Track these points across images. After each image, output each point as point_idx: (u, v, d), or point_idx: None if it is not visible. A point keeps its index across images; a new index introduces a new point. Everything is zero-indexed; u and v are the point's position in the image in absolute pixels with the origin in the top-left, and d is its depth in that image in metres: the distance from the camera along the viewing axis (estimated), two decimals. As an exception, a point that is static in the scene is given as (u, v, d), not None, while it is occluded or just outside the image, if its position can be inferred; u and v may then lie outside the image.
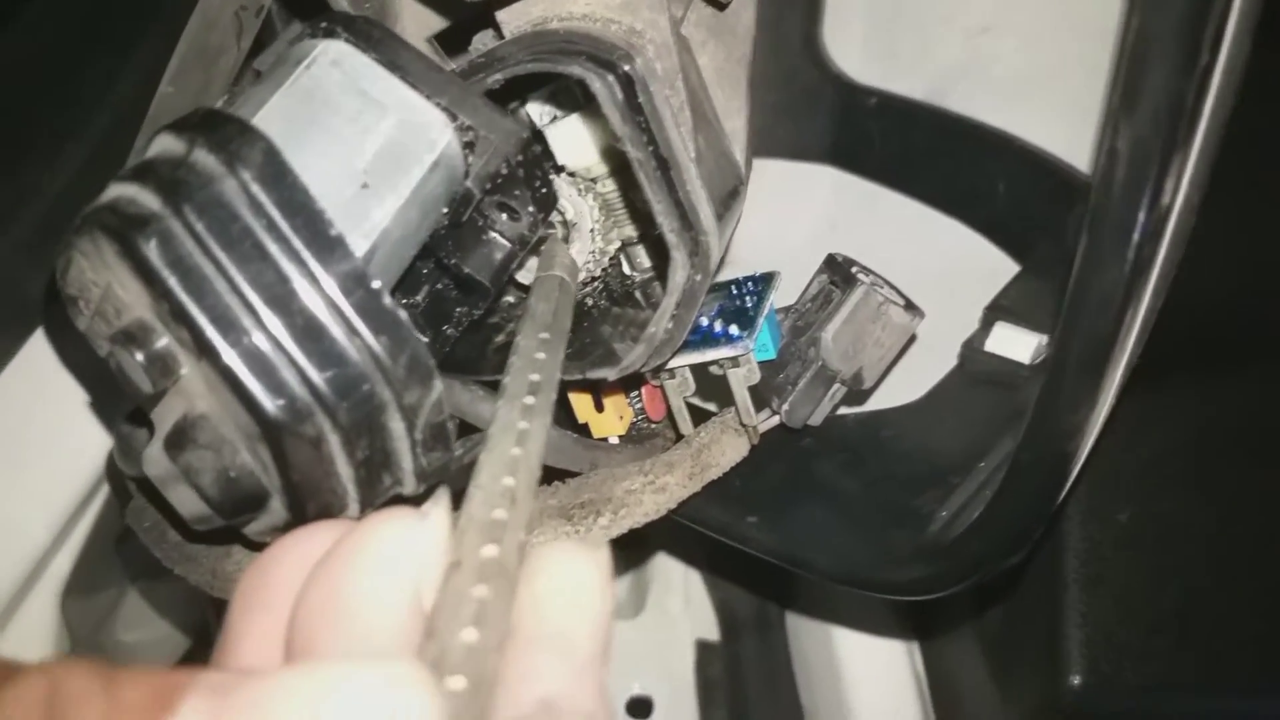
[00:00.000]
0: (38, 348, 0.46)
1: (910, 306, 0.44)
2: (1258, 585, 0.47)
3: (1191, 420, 0.51)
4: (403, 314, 0.29)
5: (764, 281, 0.45)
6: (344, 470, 0.29)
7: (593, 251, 0.43)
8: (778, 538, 0.42)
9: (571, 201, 0.42)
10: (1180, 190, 0.29)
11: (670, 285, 0.36)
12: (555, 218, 0.43)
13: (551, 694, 0.21)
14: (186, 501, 0.32)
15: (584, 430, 0.43)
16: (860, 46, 0.58)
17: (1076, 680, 0.46)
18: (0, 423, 0.46)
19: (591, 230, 0.42)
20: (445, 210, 0.33)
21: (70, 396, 0.47)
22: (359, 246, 0.30)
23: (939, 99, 0.55)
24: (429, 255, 0.35)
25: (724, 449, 0.42)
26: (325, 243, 0.28)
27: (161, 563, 0.40)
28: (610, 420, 0.43)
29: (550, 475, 0.42)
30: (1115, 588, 0.47)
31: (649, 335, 0.36)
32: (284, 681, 0.19)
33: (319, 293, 0.28)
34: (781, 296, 0.45)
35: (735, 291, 0.44)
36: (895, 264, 0.57)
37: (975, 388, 0.47)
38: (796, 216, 0.62)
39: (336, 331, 0.28)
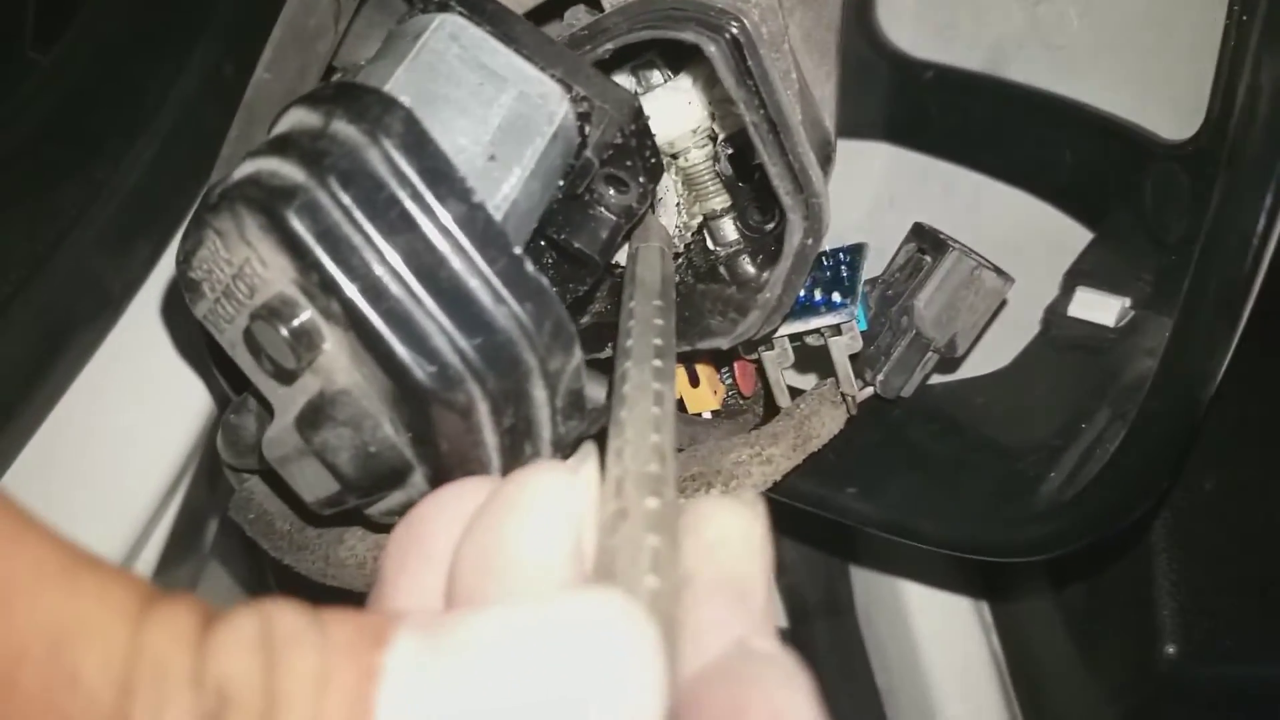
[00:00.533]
0: (120, 340, 0.46)
1: (1001, 272, 0.44)
2: None
3: (1271, 386, 0.51)
4: (545, 281, 0.29)
5: (854, 252, 0.45)
6: (490, 439, 0.29)
7: (677, 227, 0.43)
8: (879, 508, 0.42)
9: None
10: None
11: (786, 248, 0.35)
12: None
13: (741, 638, 0.21)
14: (315, 482, 0.31)
15: (679, 406, 0.43)
16: (914, 20, 0.58)
17: (1171, 649, 0.46)
18: (83, 418, 0.45)
19: (677, 205, 0.42)
20: (561, 182, 0.33)
21: (152, 390, 0.47)
22: (495, 211, 0.30)
23: (998, 69, 0.55)
24: (539, 231, 0.35)
25: (824, 420, 0.42)
26: (468, 210, 0.28)
27: (269, 554, 0.39)
28: (705, 395, 0.43)
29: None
30: (1204, 555, 0.47)
31: (764, 300, 0.36)
32: (498, 614, 0.19)
33: (466, 260, 0.28)
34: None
35: (826, 263, 0.44)
36: (966, 234, 0.57)
37: (1062, 353, 0.47)
38: (853, 193, 0.62)
39: (484, 299, 0.28)
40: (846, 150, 0.61)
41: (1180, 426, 0.33)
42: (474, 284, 0.28)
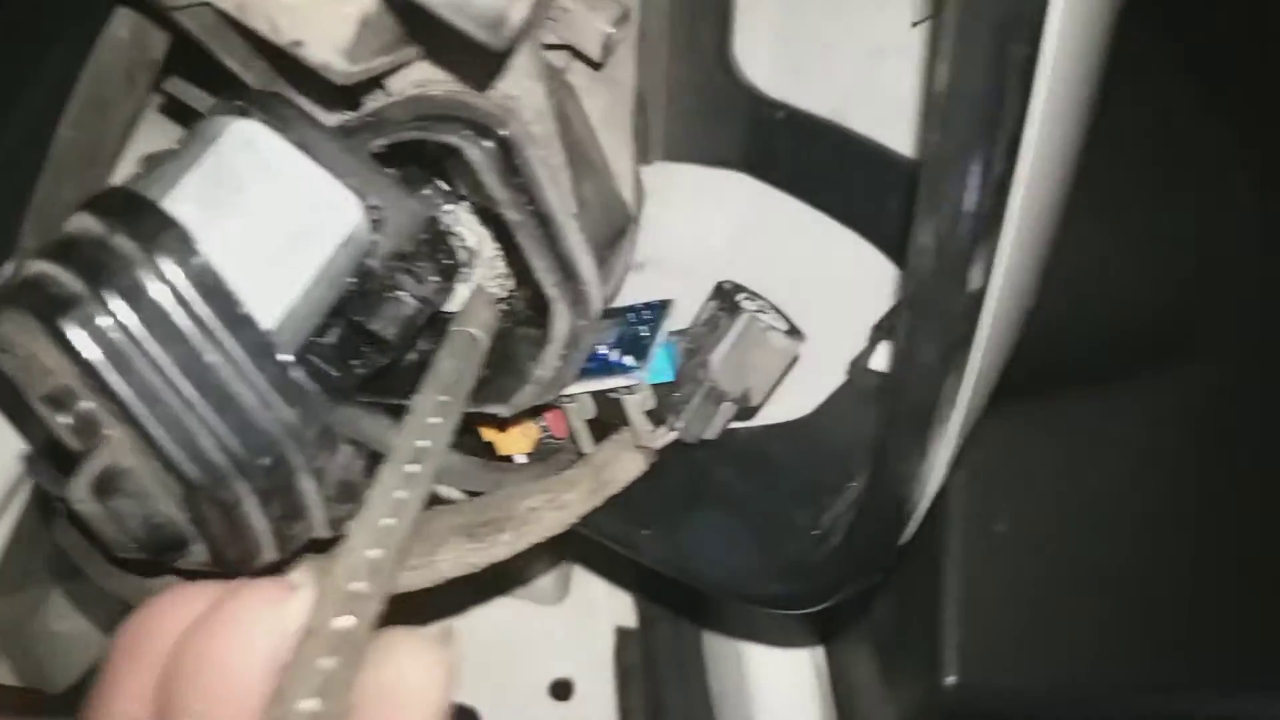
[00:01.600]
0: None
1: (792, 331, 0.48)
2: (1123, 597, 0.52)
3: (1072, 434, 0.55)
4: (312, 386, 0.33)
5: (658, 309, 0.49)
6: (259, 525, 0.33)
7: (496, 276, 0.46)
8: (667, 550, 0.46)
9: (472, 229, 0.45)
10: (993, 271, 0.33)
11: (552, 334, 0.39)
12: (457, 243, 0.46)
13: None
14: (112, 539, 0.35)
15: (490, 448, 0.47)
16: (769, 59, 0.61)
17: (951, 680, 0.51)
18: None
19: (493, 256, 0.46)
20: (352, 280, 0.37)
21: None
22: (269, 322, 0.33)
23: (842, 117, 0.58)
24: (340, 313, 0.38)
25: (623, 465, 0.46)
26: (236, 321, 0.32)
27: (92, 578, 0.43)
28: (515, 439, 0.47)
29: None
30: (990, 595, 0.52)
31: (537, 378, 0.40)
32: None
33: (235, 370, 0.32)
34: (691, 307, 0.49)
35: (632, 319, 0.48)
36: (802, 273, 0.61)
37: (862, 405, 0.51)
38: (716, 219, 0.65)
39: (251, 404, 0.32)
40: (710, 178, 0.65)
41: (890, 521, 0.37)
42: (242, 390, 0.32)
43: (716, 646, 0.72)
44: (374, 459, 0.44)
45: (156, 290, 0.31)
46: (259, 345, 0.32)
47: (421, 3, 0.29)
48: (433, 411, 0.36)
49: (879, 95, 0.58)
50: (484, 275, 0.47)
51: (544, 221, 0.38)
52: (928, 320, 0.32)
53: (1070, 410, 0.55)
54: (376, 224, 0.37)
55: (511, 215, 0.37)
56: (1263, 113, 0.60)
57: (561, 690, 0.83)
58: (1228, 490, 0.54)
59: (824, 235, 0.61)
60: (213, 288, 0.32)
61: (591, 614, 0.84)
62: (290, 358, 0.32)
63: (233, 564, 0.33)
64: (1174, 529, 0.54)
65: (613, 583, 0.85)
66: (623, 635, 0.82)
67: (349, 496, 0.35)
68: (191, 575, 0.41)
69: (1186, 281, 0.58)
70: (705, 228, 0.66)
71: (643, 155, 0.66)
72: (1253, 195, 0.59)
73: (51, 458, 0.42)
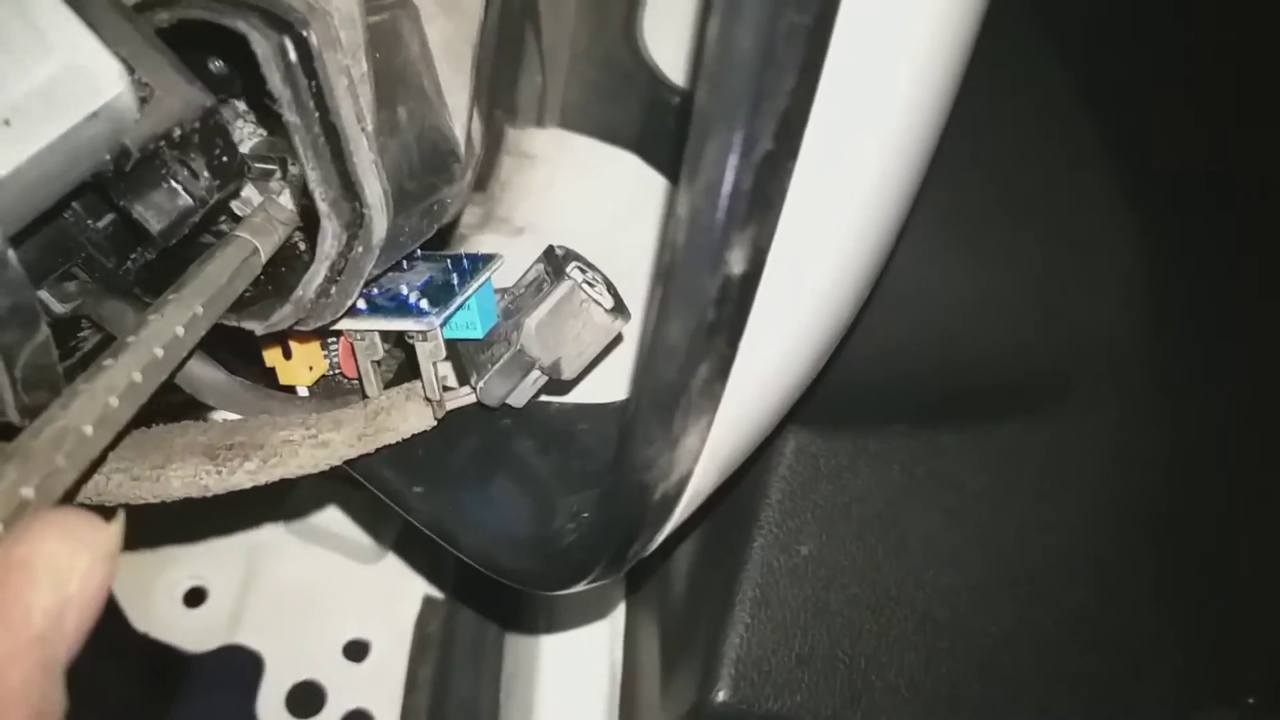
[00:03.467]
0: None
1: (618, 309, 0.46)
2: (912, 639, 0.51)
3: (898, 469, 0.53)
4: (12, 256, 0.30)
5: (481, 261, 0.46)
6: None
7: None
8: (435, 511, 0.44)
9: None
10: (762, 261, 0.31)
11: (319, 253, 0.37)
12: (275, 149, 0.44)
13: None
14: None
15: (271, 374, 0.45)
16: (675, 42, 0.59)
17: (721, 696, 0.49)
18: None
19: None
20: (108, 158, 0.34)
21: None
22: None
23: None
24: (104, 195, 0.36)
25: (406, 416, 0.44)
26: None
27: None
28: (298, 369, 0.44)
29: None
30: (779, 616, 0.50)
31: (295, 298, 0.37)
32: None
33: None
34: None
35: (450, 266, 0.46)
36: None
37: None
38: (602, 195, 0.63)
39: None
40: (602, 153, 0.63)
41: (631, 508, 0.35)
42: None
43: (519, 632, 0.70)
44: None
45: None
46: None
47: None
48: (179, 317, 0.33)
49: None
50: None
51: (329, 131, 0.35)
52: (676, 297, 0.30)
53: (901, 444, 0.53)
54: (143, 101, 0.34)
55: (290, 118, 0.34)
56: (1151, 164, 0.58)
57: (356, 651, 0.80)
58: (1040, 544, 0.53)
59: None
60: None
61: (405, 580, 0.81)
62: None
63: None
64: (983, 580, 0.52)
65: (435, 553, 0.82)
66: (428, 604, 0.80)
67: (45, 382, 0.32)
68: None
69: (1047, 336, 0.56)
70: (589, 202, 0.64)
71: (539, 118, 0.64)
72: (1137, 265, 0.58)
73: None
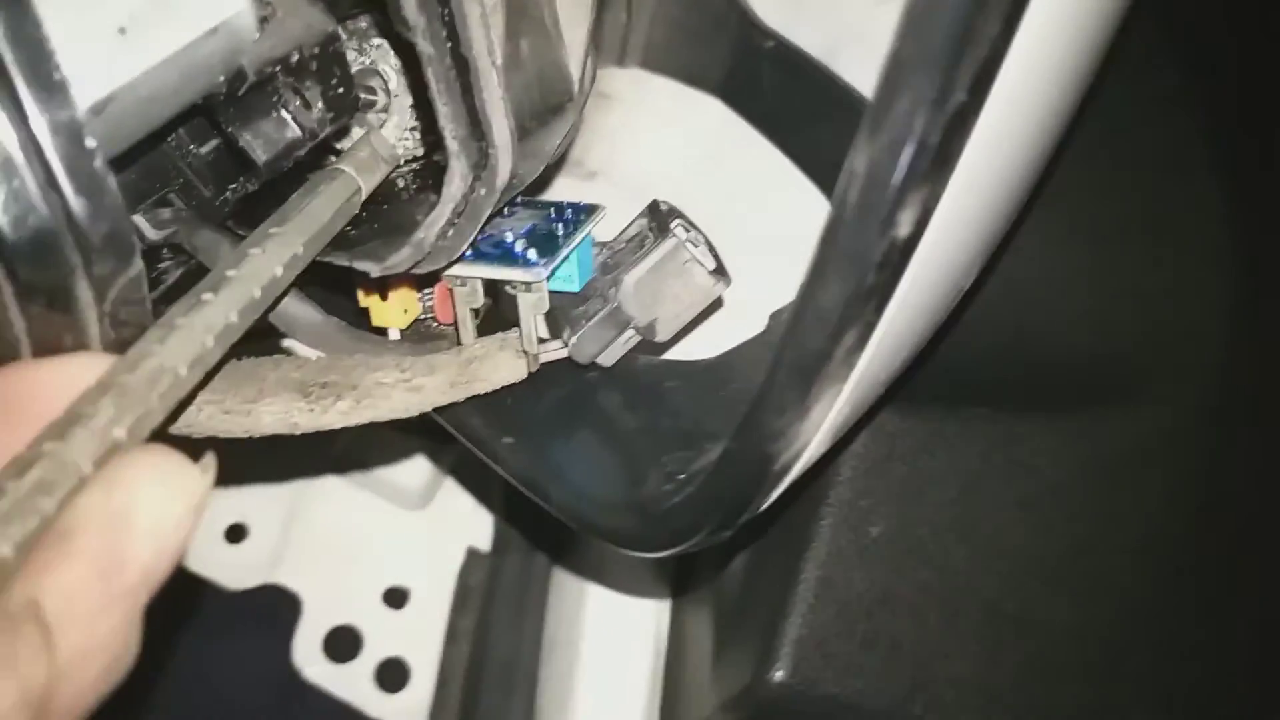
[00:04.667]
0: None
1: (719, 271, 0.44)
2: (979, 630, 0.49)
3: (971, 454, 0.52)
4: (112, 181, 0.28)
5: (584, 212, 0.44)
6: (16, 321, 0.28)
7: (412, 129, 0.42)
8: (525, 463, 0.42)
9: (397, 71, 0.41)
10: (925, 224, 0.29)
11: (445, 194, 0.35)
12: (378, 85, 0.41)
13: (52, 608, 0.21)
14: None
15: (364, 315, 0.43)
16: (772, -15, 0.56)
17: (779, 675, 0.47)
18: None
19: (409, 108, 0.41)
20: (222, 79, 0.32)
21: None
22: (91, 95, 0.28)
23: (830, 59, 0.54)
24: (211, 118, 0.34)
25: (498, 366, 0.42)
26: (46, 84, 0.27)
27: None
28: (393, 311, 0.42)
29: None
30: (844, 598, 0.49)
31: (416, 240, 0.36)
32: None
33: (25, 134, 0.27)
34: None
35: (553, 215, 0.44)
36: (753, 215, 0.57)
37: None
38: (680, 141, 0.61)
39: (32, 179, 0.27)
40: (683, 96, 0.61)
41: (751, 475, 0.33)
42: (27, 159, 0.27)
43: (563, 587, 0.69)
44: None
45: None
46: (65, 119, 0.27)
47: None
48: (280, 255, 0.32)
49: (874, 44, 0.53)
50: (395, 128, 0.42)
51: (461, 65, 0.33)
52: (838, 260, 0.28)
53: (979, 429, 0.51)
54: (264, 21, 0.32)
55: (424, 47, 0.32)
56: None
57: (396, 598, 0.79)
58: (1116, 542, 0.51)
59: (783, 181, 0.57)
60: (28, 37, 0.27)
61: (449, 529, 0.80)
62: (94, 143, 0.28)
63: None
64: (1053, 573, 0.51)
65: (479, 502, 0.81)
66: (472, 556, 0.78)
67: (130, 319, 0.30)
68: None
69: (1136, 328, 0.55)
70: (667, 149, 0.61)
71: (619, 57, 0.61)
72: (1234, 264, 0.56)
73: None
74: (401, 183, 0.43)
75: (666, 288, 0.43)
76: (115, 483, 0.22)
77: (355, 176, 0.36)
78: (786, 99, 0.56)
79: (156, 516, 0.22)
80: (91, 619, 0.21)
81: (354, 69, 0.40)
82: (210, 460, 0.24)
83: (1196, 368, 0.56)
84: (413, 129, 0.42)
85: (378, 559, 0.79)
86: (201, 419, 0.37)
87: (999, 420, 0.52)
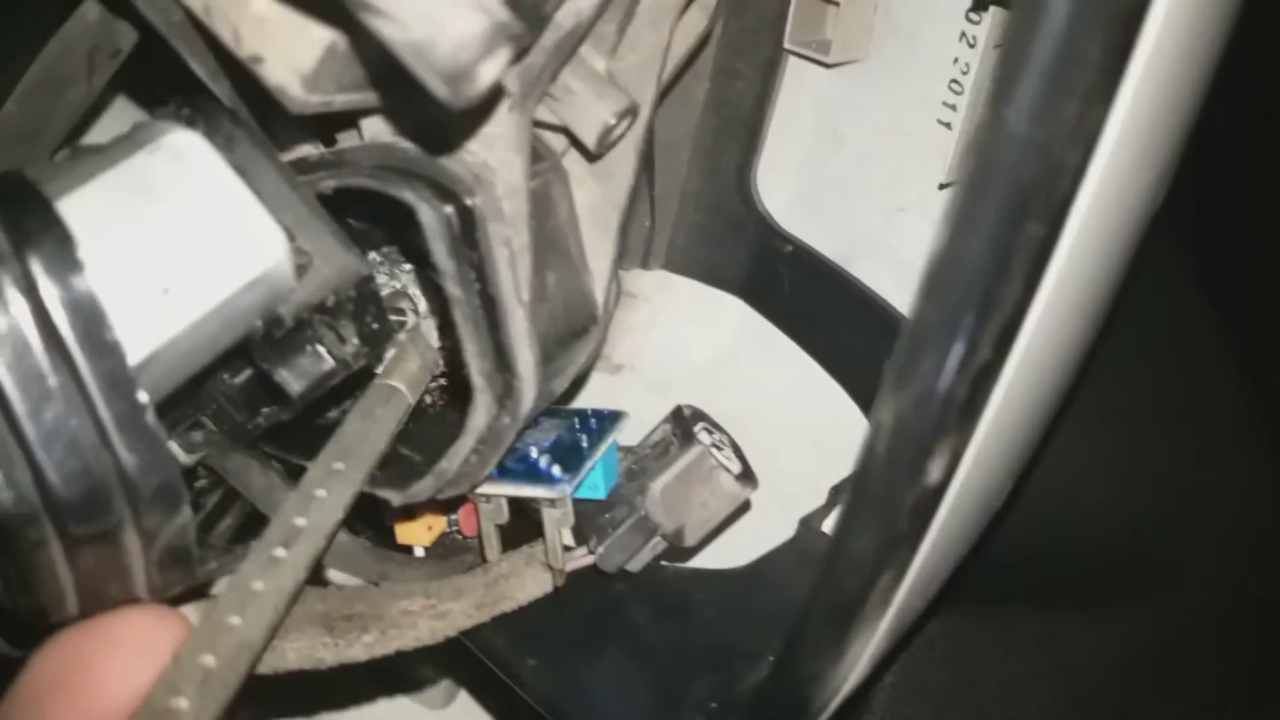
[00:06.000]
0: None
1: (746, 475, 0.44)
2: None
3: (1012, 655, 0.51)
4: (162, 435, 0.29)
5: (608, 420, 0.45)
6: (64, 576, 0.28)
7: (441, 348, 0.43)
8: (551, 687, 0.41)
9: (422, 296, 0.42)
10: (959, 468, 0.29)
11: (468, 426, 0.35)
12: (408, 306, 0.43)
13: None
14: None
15: (389, 532, 0.43)
16: (788, 192, 0.58)
17: None
18: None
19: (440, 327, 0.42)
20: (260, 323, 0.33)
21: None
22: (139, 353, 0.29)
23: (849, 263, 0.55)
24: (247, 355, 0.35)
25: (524, 583, 0.42)
26: (100, 347, 0.28)
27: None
28: (418, 529, 0.42)
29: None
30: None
31: (439, 470, 0.36)
32: None
33: (78, 397, 0.28)
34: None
35: (577, 425, 0.44)
36: (776, 413, 0.57)
37: (802, 568, 0.47)
38: (703, 338, 0.62)
39: (87, 438, 0.28)
40: (705, 296, 0.62)
41: (789, 715, 0.32)
42: (81, 423, 0.28)
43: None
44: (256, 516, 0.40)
45: (12, 294, 0.27)
46: (118, 377, 0.28)
47: (381, 38, 0.26)
48: (322, 482, 0.32)
49: (890, 251, 0.55)
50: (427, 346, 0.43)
51: (489, 304, 0.34)
52: (870, 507, 0.28)
53: (1022, 629, 0.50)
54: (301, 269, 0.33)
55: (453, 290, 0.33)
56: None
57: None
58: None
59: (806, 379, 0.57)
60: (83, 305, 0.28)
61: None
62: (146, 398, 0.28)
63: (26, 613, 0.29)
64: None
65: (508, 698, 0.78)
66: None
67: (180, 564, 0.30)
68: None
69: (1169, 517, 0.54)
70: (692, 345, 0.63)
71: (644, 259, 0.63)
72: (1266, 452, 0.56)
73: None
74: (428, 399, 0.44)
75: (693, 494, 0.43)
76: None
77: (408, 394, 0.37)
78: (806, 299, 0.57)
79: None
80: None
81: (384, 292, 0.42)
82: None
83: (1233, 553, 0.55)
84: (440, 347, 0.43)
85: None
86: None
87: (1039, 620, 0.51)
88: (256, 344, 0.34)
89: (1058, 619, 0.51)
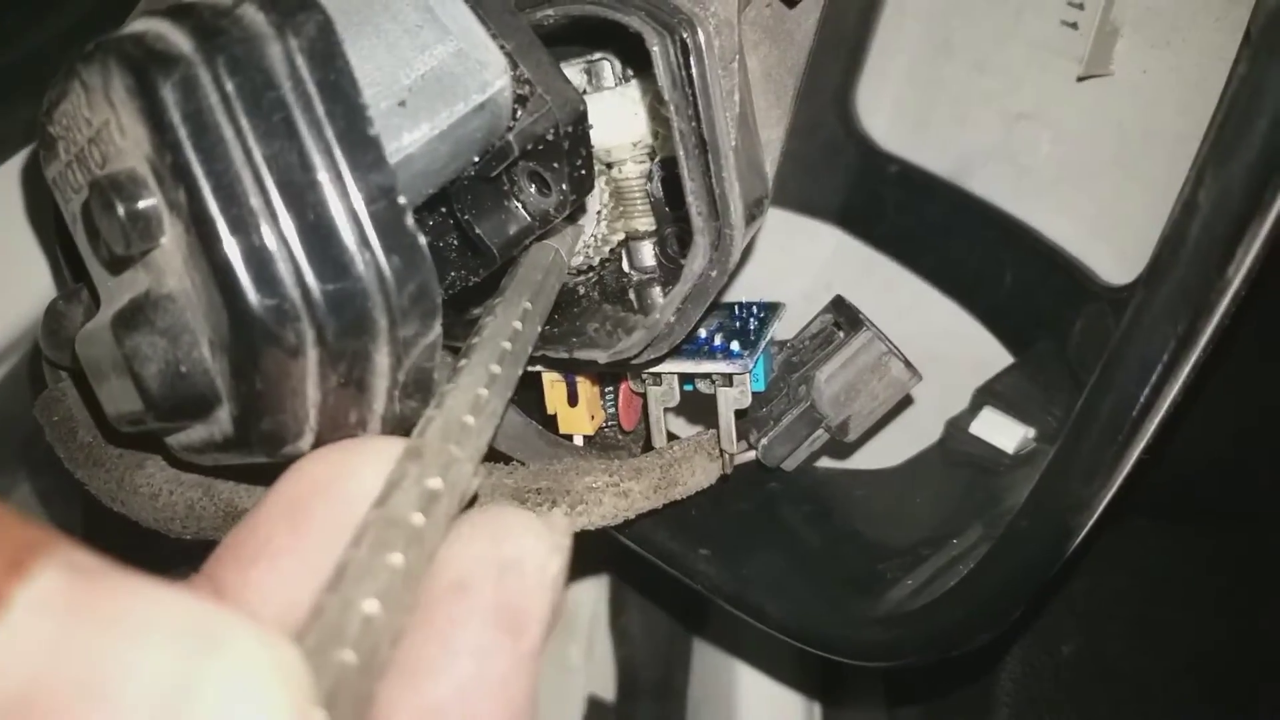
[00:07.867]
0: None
1: (911, 365, 0.43)
2: None
3: (1151, 566, 0.50)
4: (422, 239, 0.26)
5: (769, 309, 0.43)
6: (312, 393, 0.26)
7: (594, 236, 0.41)
8: (728, 577, 0.39)
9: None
10: (1245, 264, 0.28)
11: (686, 272, 0.34)
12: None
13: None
14: (119, 393, 0.29)
15: (551, 422, 0.41)
16: (892, 111, 0.57)
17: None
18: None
19: (598, 213, 0.41)
20: (477, 158, 0.31)
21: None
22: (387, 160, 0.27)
23: (962, 178, 0.55)
24: (441, 203, 0.33)
25: (694, 469, 0.40)
26: (360, 141, 0.26)
27: (64, 463, 0.36)
28: (581, 417, 0.40)
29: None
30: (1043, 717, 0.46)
31: (651, 322, 0.34)
32: (155, 605, 0.15)
33: (340, 191, 0.25)
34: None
35: (738, 313, 0.43)
36: (894, 334, 0.56)
37: (954, 467, 0.46)
38: (794, 271, 0.61)
39: (348, 238, 0.25)
40: (798, 226, 0.61)
41: (1044, 553, 0.31)
42: (341, 219, 0.26)
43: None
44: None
45: (278, 75, 0.25)
46: (378, 176, 0.26)
47: None
48: (518, 316, 0.30)
49: (1009, 159, 0.54)
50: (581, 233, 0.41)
51: (704, 145, 0.33)
52: (1170, 296, 0.27)
53: (1157, 543, 0.49)
54: (521, 100, 0.31)
55: (680, 124, 0.32)
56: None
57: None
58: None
59: (914, 300, 0.56)
60: (344, 94, 0.26)
61: (565, 678, 0.74)
62: (405, 200, 0.26)
63: (258, 440, 0.26)
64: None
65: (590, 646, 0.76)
66: (595, 708, 0.73)
67: (421, 390, 0.28)
68: (182, 466, 0.34)
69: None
70: (783, 277, 0.61)
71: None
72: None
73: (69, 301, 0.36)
74: (582, 290, 0.42)
75: (862, 383, 0.42)
76: (501, 532, 0.20)
77: (549, 243, 0.35)
78: (915, 220, 0.56)
79: (544, 568, 0.20)
80: (505, 685, 0.18)
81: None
82: (561, 518, 0.22)
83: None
84: (594, 237, 0.42)
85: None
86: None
87: (1169, 534, 0.51)
88: (461, 196, 0.32)
89: (1187, 534, 0.51)
